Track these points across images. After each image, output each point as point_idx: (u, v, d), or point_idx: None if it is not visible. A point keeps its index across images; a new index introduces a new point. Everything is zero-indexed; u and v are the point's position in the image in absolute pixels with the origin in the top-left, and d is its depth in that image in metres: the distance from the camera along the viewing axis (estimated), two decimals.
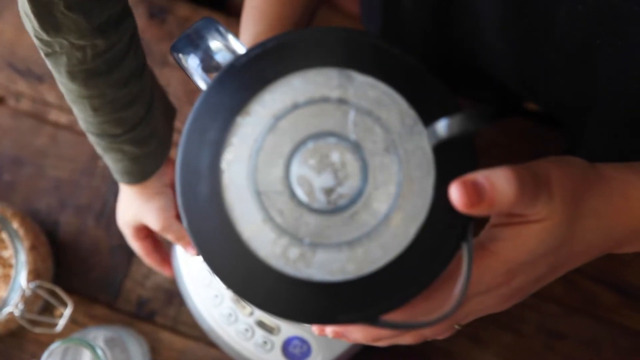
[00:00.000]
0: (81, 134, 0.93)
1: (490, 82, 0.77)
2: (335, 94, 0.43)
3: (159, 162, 0.76)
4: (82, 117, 0.69)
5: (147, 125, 0.71)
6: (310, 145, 0.43)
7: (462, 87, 0.86)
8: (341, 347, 0.78)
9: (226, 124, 0.43)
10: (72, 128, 0.93)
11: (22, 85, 0.95)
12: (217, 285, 0.79)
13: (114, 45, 0.64)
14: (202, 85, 0.49)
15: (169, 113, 0.79)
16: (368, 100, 0.43)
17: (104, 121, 0.68)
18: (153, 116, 0.72)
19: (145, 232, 0.82)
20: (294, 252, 0.42)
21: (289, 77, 0.44)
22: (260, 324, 0.78)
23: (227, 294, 0.79)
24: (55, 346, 0.75)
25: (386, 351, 0.87)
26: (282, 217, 0.42)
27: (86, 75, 0.64)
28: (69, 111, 0.93)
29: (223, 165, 0.43)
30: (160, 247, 0.85)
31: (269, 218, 0.42)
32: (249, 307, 0.78)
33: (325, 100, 0.43)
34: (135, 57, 0.67)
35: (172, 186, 0.79)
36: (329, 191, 0.42)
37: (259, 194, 0.42)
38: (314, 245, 0.42)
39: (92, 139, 0.71)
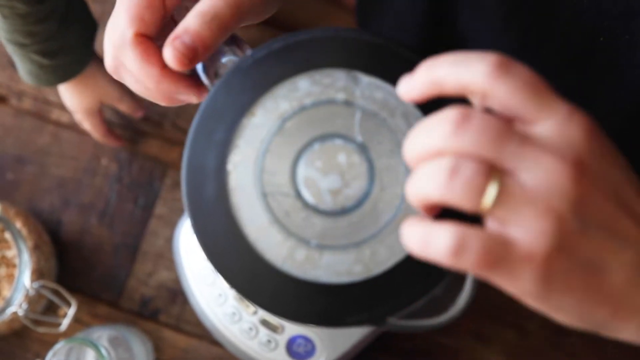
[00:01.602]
0: (84, 133, 0.93)
1: None
2: (341, 95, 0.43)
3: (69, 74, 0.80)
4: None
5: (57, 41, 0.74)
6: (317, 146, 0.42)
7: None
8: (345, 345, 0.78)
9: (232, 125, 0.43)
10: (74, 127, 0.93)
11: (24, 85, 0.95)
12: (221, 284, 0.79)
13: None
14: (207, 84, 0.49)
15: (89, 28, 0.81)
16: (374, 102, 0.43)
17: (14, 30, 0.71)
18: (67, 32, 0.74)
19: (97, 109, 0.88)
20: (300, 253, 0.42)
21: (295, 79, 0.43)
22: (265, 323, 0.78)
23: (230, 292, 0.78)
24: (60, 346, 0.75)
25: (390, 349, 0.87)
26: (288, 218, 0.42)
27: None
28: None
29: (229, 167, 0.43)
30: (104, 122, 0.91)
31: (275, 220, 0.42)
32: (252, 306, 0.78)
33: (331, 102, 0.43)
34: None
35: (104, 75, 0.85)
36: (335, 193, 0.42)
37: (265, 196, 0.42)
38: (321, 247, 0.42)
39: (2, 39, 0.74)
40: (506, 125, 0.35)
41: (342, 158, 0.42)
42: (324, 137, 0.43)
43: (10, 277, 0.83)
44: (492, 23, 0.64)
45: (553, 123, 0.36)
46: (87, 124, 0.90)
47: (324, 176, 0.42)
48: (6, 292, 0.83)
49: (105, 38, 0.49)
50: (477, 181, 0.34)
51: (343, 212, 0.42)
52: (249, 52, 0.48)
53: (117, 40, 0.48)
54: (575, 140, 0.35)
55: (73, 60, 0.80)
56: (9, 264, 0.84)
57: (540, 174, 0.35)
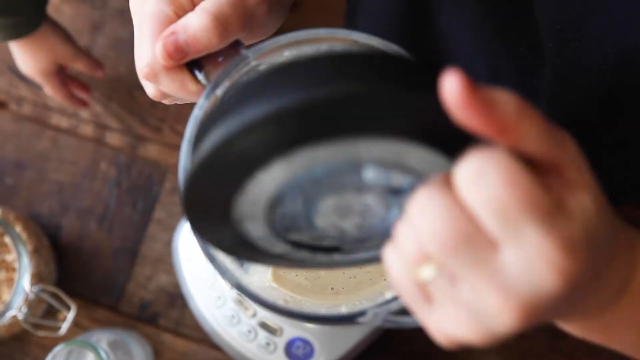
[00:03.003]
0: (83, 138, 0.93)
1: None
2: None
3: (17, 33, 0.82)
4: None
5: (2, 1, 0.76)
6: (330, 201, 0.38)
7: None
8: (344, 347, 0.78)
9: (227, 207, 0.38)
10: (73, 132, 0.94)
11: (23, 90, 0.95)
12: (220, 286, 0.79)
13: None
14: (205, 84, 0.49)
15: None
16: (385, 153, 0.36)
17: None
18: None
19: (54, 70, 0.88)
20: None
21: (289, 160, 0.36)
22: (263, 326, 0.78)
23: (229, 295, 0.79)
24: (59, 349, 0.75)
25: (389, 351, 0.87)
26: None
27: None
28: (70, 115, 0.94)
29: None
30: (67, 83, 0.91)
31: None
32: (251, 309, 0.78)
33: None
34: None
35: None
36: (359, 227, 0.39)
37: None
38: None
39: None
40: (473, 236, 0.32)
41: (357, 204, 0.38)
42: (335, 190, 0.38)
43: (10, 281, 0.83)
44: (472, 18, 0.63)
45: (518, 253, 0.31)
46: (47, 88, 0.90)
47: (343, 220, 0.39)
48: (6, 296, 0.83)
49: (137, 70, 0.50)
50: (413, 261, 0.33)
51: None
52: (245, 52, 0.48)
53: (149, 73, 0.49)
54: (536, 284, 0.31)
55: (22, 22, 0.81)
56: (9, 268, 0.84)
57: (474, 303, 0.33)
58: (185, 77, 0.49)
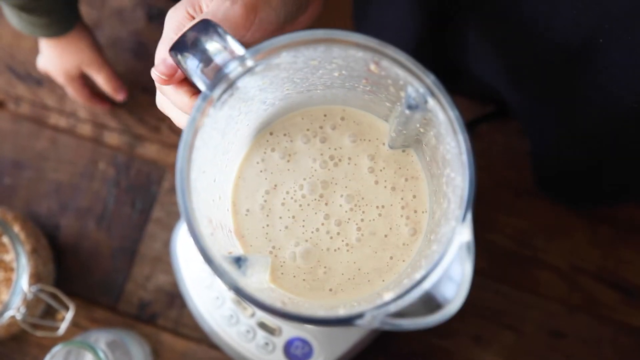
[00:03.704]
0: (81, 137, 0.93)
1: (483, 84, 0.77)
2: None
3: (47, 33, 0.83)
4: None
5: (34, 1, 0.77)
6: None
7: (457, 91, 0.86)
8: (343, 348, 0.78)
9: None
10: (72, 131, 0.93)
11: (21, 89, 0.95)
12: (218, 286, 0.79)
13: None
14: (202, 86, 0.49)
15: None
16: None
17: None
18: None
19: (77, 74, 0.89)
20: None
21: None
22: (262, 325, 0.78)
23: (228, 295, 0.79)
24: (57, 349, 0.75)
25: (388, 352, 0.87)
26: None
27: None
28: (68, 115, 0.94)
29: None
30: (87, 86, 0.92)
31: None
32: (250, 309, 0.78)
33: None
34: None
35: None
36: None
37: None
38: None
39: None
40: None
41: None
42: None
43: (8, 281, 0.83)
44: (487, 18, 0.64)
45: None
46: (69, 89, 0.91)
47: None
48: (4, 296, 0.83)
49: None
50: None
51: None
52: (241, 51, 0.48)
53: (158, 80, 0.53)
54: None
55: (55, 22, 0.82)
56: (7, 268, 0.84)
57: None
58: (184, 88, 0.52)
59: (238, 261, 0.50)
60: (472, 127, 0.90)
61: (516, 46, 0.64)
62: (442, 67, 0.77)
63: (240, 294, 0.47)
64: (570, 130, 0.70)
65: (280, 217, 0.58)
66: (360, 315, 0.46)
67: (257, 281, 0.54)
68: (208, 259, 0.47)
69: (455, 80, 0.79)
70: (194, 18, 0.53)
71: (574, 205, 0.89)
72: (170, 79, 0.52)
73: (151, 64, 0.53)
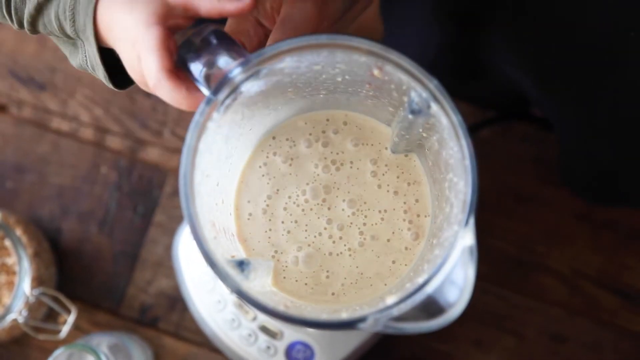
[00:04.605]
0: (83, 142, 0.93)
1: (502, 82, 0.76)
2: None
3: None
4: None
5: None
6: None
7: (473, 91, 0.86)
8: (344, 351, 0.78)
9: None
10: (74, 135, 0.94)
11: (24, 94, 0.95)
12: (220, 290, 0.79)
13: None
14: (205, 91, 0.49)
15: None
16: None
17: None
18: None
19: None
20: None
21: None
22: (264, 329, 0.78)
23: (230, 299, 0.79)
24: (59, 352, 0.75)
25: (389, 356, 0.88)
26: None
27: None
28: (70, 119, 0.94)
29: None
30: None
31: None
32: (252, 312, 0.78)
33: None
34: None
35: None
36: None
37: None
38: None
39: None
40: None
41: None
42: None
43: (10, 285, 0.83)
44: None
45: None
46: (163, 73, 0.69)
47: None
48: (6, 300, 0.83)
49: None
50: None
51: None
52: (246, 57, 0.48)
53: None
54: None
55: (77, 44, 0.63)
56: (9, 272, 0.84)
57: None
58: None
59: (241, 265, 0.50)
60: (474, 132, 0.90)
61: (546, 45, 0.64)
62: (467, 65, 0.77)
63: (243, 297, 0.47)
64: (598, 128, 0.70)
65: (283, 222, 0.58)
66: (362, 319, 0.46)
67: (259, 285, 0.54)
68: (211, 263, 0.47)
69: (477, 80, 0.79)
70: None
71: (599, 202, 0.88)
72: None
73: None
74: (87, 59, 0.58)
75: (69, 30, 0.55)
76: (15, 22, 0.59)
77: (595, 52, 0.61)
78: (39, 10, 0.57)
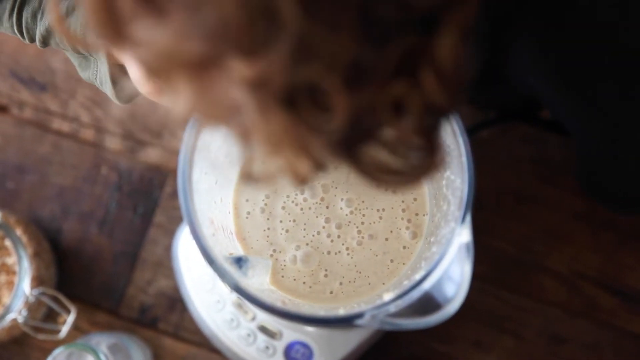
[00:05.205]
0: (84, 142, 0.93)
1: (519, 89, 0.76)
2: None
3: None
4: None
5: None
6: None
7: (484, 89, 0.86)
8: (343, 351, 0.78)
9: None
10: (74, 136, 0.94)
11: (25, 94, 0.95)
12: (219, 290, 0.79)
13: None
14: None
15: None
16: None
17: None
18: None
19: None
20: None
21: None
22: (263, 329, 0.78)
23: (229, 299, 0.79)
24: (59, 351, 0.76)
25: (388, 356, 0.88)
26: None
27: None
28: (71, 120, 0.94)
29: None
30: None
31: None
32: (251, 312, 0.78)
33: None
34: None
35: None
36: None
37: None
38: None
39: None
40: None
41: None
42: None
43: (10, 284, 0.84)
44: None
45: None
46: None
47: None
48: (6, 299, 0.83)
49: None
50: None
51: None
52: None
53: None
54: None
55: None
56: (9, 271, 0.84)
57: None
58: None
59: (239, 262, 0.50)
60: (474, 134, 0.90)
61: (572, 51, 0.64)
62: (487, 74, 0.76)
63: (241, 294, 0.48)
64: (625, 137, 0.70)
65: (281, 221, 0.58)
66: (360, 315, 0.46)
67: (257, 283, 0.54)
68: (210, 260, 0.48)
69: (493, 86, 0.79)
70: None
71: (625, 211, 0.88)
72: None
73: None
74: (97, 74, 0.59)
75: (82, 50, 0.56)
76: (27, 39, 0.61)
77: (627, 58, 0.60)
78: (50, 32, 0.58)
